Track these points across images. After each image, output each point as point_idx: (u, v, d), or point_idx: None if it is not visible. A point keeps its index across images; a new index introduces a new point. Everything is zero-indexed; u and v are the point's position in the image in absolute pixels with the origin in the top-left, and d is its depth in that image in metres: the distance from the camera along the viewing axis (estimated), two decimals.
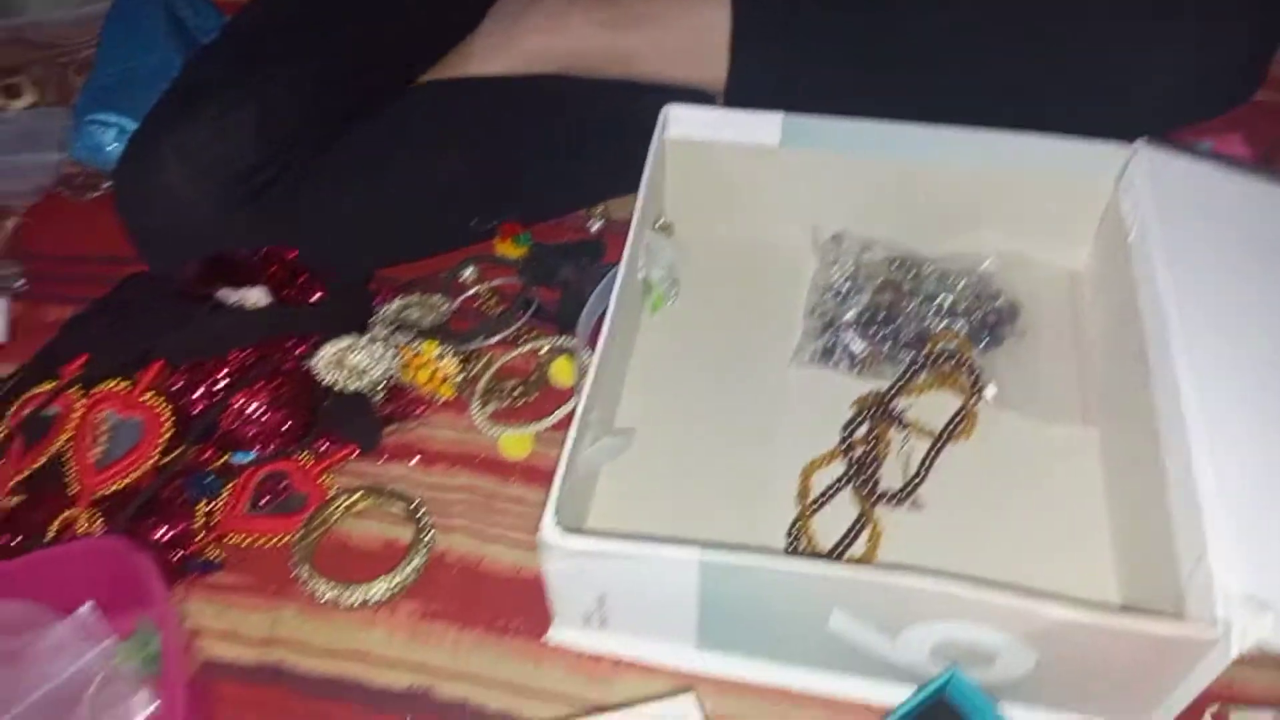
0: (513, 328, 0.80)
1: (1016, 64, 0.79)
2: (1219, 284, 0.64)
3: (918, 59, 0.81)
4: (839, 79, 0.82)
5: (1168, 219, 0.67)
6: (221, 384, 0.71)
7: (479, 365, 0.79)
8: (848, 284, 0.78)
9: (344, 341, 0.75)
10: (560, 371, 0.78)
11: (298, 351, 0.75)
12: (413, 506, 0.69)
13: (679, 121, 0.79)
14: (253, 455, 0.72)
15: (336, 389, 0.74)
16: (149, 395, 0.71)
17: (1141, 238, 0.67)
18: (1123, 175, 0.72)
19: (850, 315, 0.76)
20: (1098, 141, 0.72)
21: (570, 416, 0.61)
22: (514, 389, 0.77)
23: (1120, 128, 0.73)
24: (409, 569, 0.66)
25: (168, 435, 0.69)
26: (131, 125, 0.91)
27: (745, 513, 0.68)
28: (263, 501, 0.70)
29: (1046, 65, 0.79)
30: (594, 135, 0.86)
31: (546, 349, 0.80)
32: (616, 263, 0.70)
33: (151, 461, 0.69)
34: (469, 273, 0.85)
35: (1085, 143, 0.72)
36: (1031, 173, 0.75)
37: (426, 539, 0.67)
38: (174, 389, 0.71)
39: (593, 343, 0.67)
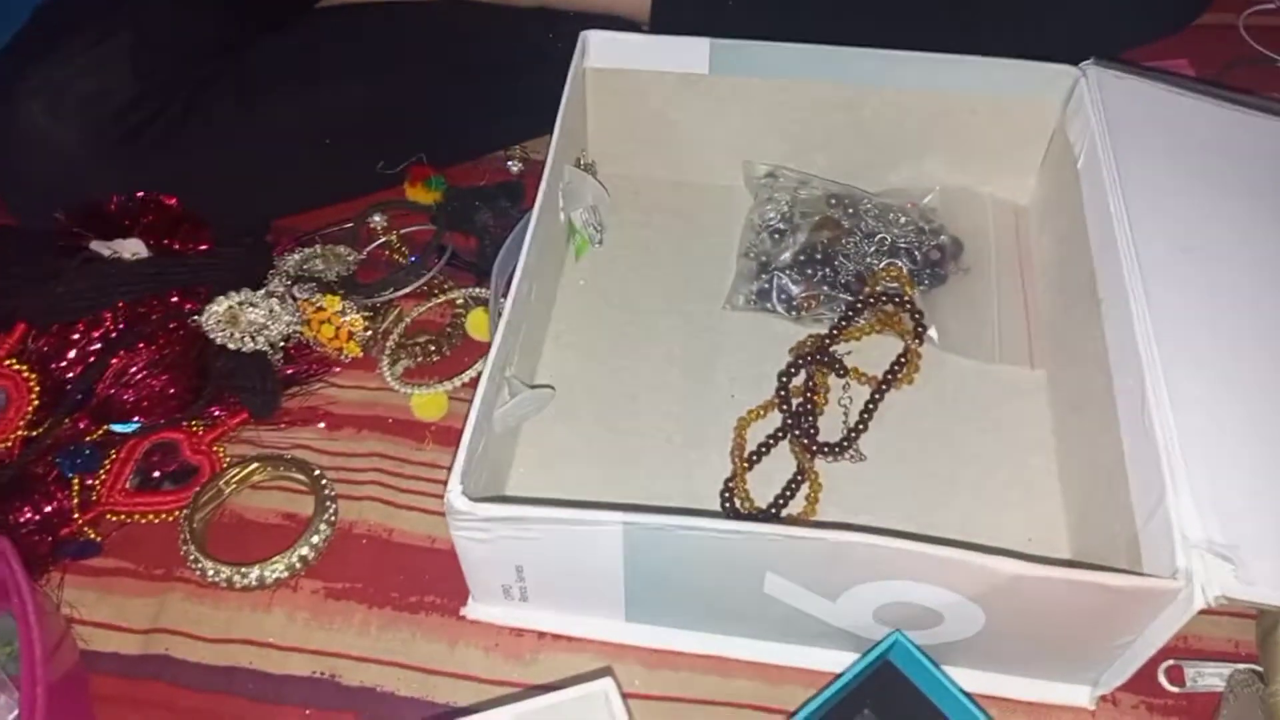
0: (425, 278, 0.74)
1: None
2: (1173, 208, 0.60)
3: None
4: (775, 2, 0.76)
5: (1118, 141, 0.62)
6: (96, 346, 0.64)
7: (389, 319, 0.73)
8: (783, 223, 0.73)
9: (237, 296, 0.68)
10: (478, 324, 0.72)
11: (186, 308, 0.68)
12: (315, 475, 0.63)
13: (599, 48, 0.72)
14: (137, 425, 0.65)
15: (232, 349, 0.68)
16: (12, 361, 0.63)
17: (1090, 162, 0.63)
18: (1070, 98, 0.68)
19: (786, 256, 0.71)
20: (1044, 64, 0.67)
21: None
22: (428, 344, 0.71)
23: (1068, 49, 0.68)
24: (311, 544, 0.60)
25: (35, 405, 0.62)
26: None
27: (679, 470, 0.63)
28: (152, 476, 0.64)
29: None
30: (510, 67, 0.79)
31: (462, 300, 0.74)
32: None
33: (17, 435, 0.62)
34: (377, 220, 0.79)
35: (1031, 65, 0.68)
36: (975, 97, 0.70)
37: (330, 510, 0.62)
38: (42, 353, 0.64)
39: (508, 291, 0.61)
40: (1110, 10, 0.75)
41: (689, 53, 0.72)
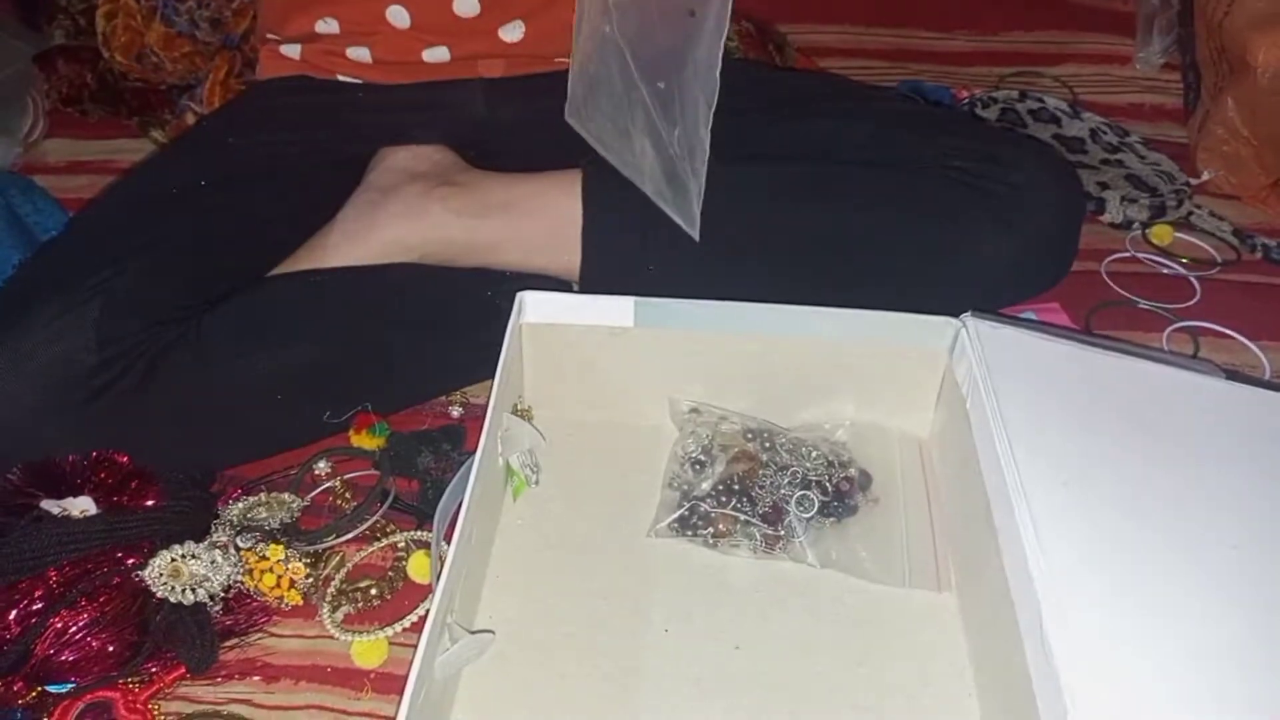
0: (367, 522, 0.77)
1: (854, 256, 0.85)
2: (1053, 442, 0.66)
3: (759, 247, 0.85)
4: (688, 264, 0.84)
5: (999, 384, 0.70)
6: (38, 605, 0.65)
7: (331, 565, 0.75)
8: (704, 455, 0.79)
9: (180, 549, 0.70)
10: (419, 567, 0.74)
11: (129, 562, 0.69)
12: None
13: (535, 306, 0.80)
14: (72, 685, 0.65)
15: (172, 601, 0.69)
16: None
17: (975, 403, 0.70)
18: (954, 345, 0.76)
19: (706, 486, 0.76)
20: (928, 316, 0.76)
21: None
22: (369, 589, 0.73)
23: (952, 306, 0.77)
24: None
25: None
26: None
27: (619, 711, 0.64)
28: None
29: (878, 256, 0.84)
30: (452, 322, 0.86)
31: (404, 543, 0.76)
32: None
33: None
34: (322, 466, 0.82)
35: (917, 317, 0.76)
36: (874, 345, 0.78)
37: None
38: None
39: (450, 535, 0.64)
40: (989, 282, 0.86)
41: (615, 309, 0.79)
